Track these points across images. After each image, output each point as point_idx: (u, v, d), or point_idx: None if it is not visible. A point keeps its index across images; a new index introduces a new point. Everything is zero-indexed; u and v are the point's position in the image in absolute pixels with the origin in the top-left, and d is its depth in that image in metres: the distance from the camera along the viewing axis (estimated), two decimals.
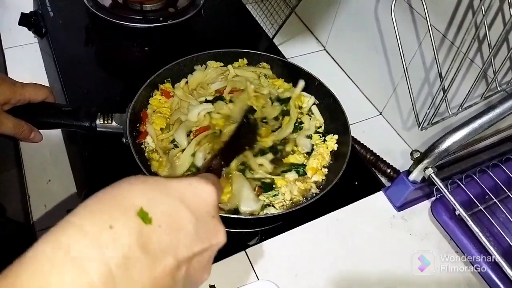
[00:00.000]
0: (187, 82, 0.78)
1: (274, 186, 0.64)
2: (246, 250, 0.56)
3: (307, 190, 0.65)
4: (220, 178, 0.51)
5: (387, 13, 0.63)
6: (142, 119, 0.70)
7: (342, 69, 1.13)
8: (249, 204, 0.61)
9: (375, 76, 1.02)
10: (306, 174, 0.66)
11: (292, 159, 0.69)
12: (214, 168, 0.50)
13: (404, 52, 0.60)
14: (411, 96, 0.59)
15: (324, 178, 0.68)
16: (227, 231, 0.52)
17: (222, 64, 0.81)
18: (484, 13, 0.49)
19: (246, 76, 0.80)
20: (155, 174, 0.63)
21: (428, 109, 0.59)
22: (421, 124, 0.58)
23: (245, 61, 0.82)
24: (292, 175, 0.66)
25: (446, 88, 0.54)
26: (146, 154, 0.66)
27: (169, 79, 0.76)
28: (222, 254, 0.55)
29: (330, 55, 1.17)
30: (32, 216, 0.76)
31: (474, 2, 0.62)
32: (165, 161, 0.65)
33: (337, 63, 1.14)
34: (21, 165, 0.82)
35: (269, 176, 0.65)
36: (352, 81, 1.10)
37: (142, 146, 0.67)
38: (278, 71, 0.82)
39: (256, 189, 0.64)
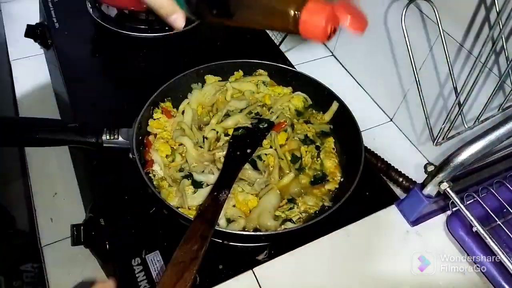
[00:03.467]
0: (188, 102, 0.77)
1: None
2: (254, 269, 0.54)
3: (322, 201, 0.65)
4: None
5: (397, 18, 0.61)
6: (146, 145, 0.69)
7: (351, 75, 1.11)
8: (268, 220, 0.60)
9: (385, 82, 1.00)
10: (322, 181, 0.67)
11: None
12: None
13: (415, 63, 0.58)
14: (425, 110, 0.57)
15: (337, 186, 0.67)
16: (233, 245, 0.52)
17: (220, 79, 0.80)
18: (501, 28, 0.47)
19: (244, 88, 0.78)
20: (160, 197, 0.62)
21: (443, 124, 0.57)
22: (436, 139, 0.56)
23: (241, 73, 0.81)
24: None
25: (462, 102, 0.52)
26: (155, 182, 0.65)
27: (169, 98, 0.75)
28: (226, 273, 0.54)
29: (338, 60, 1.15)
30: (38, 229, 0.76)
31: (491, 15, 0.59)
32: (175, 191, 0.64)
33: (345, 68, 1.13)
34: (28, 178, 0.82)
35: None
36: (361, 87, 1.08)
37: (150, 175, 0.66)
38: (283, 79, 0.81)
39: (283, 203, 0.64)
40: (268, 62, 0.80)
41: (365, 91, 1.07)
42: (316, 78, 0.78)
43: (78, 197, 0.76)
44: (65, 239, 0.74)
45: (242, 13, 0.42)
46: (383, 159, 0.92)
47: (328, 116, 0.77)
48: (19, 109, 0.93)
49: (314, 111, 0.78)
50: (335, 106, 0.75)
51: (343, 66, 1.13)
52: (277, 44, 1.03)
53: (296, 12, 0.37)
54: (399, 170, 0.91)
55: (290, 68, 0.80)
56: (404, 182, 0.89)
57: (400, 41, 0.89)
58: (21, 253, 0.84)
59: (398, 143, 0.98)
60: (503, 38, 0.53)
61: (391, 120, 1.02)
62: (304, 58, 1.14)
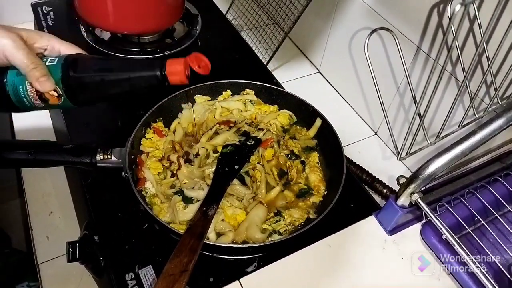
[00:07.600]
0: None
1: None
2: (240, 279, 0.57)
3: (307, 213, 0.67)
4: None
5: (373, 38, 0.65)
6: (138, 164, 0.71)
7: (337, 91, 1.15)
8: (256, 233, 0.63)
9: (368, 97, 1.04)
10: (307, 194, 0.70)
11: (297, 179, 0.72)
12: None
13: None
14: (389, 127, 0.60)
15: (321, 199, 0.70)
16: (223, 258, 0.54)
17: (209, 98, 0.84)
18: (454, 34, 0.49)
19: (232, 107, 0.82)
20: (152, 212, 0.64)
21: (404, 139, 0.60)
22: (399, 154, 0.59)
23: (229, 92, 0.84)
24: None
25: (422, 113, 0.55)
26: (147, 199, 0.68)
27: (161, 118, 0.78)
28: (217, 285, 0.57)
29: (324, 77, 1.19)
30: (35, 247, 0.78)
31: (443, 22, 0.62)
32: (167, 207, 0.66)
33: (331, 85, 1.17)
34: (24, 197, 0.84)
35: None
36: (347, 102, 1.12)
37: (143, 192, 0.68)
38: (269, 97, 0.84)
39: (270, 216, 0.67)
40: (254, 82, 0.84)
41: (351, 106, 1.11)
42: (302, 94, 0.82)
43: (73, 215, 0.79)
44: (61, 256, 0.77)
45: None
46: (368, 171, 0.96)
47: (312, 132, 0.80)
48: (16, 133, 0.95)
49: (299, 127, 0.82)
50: (318, 122, 0.79)
51: (329, 82, 1.18)
52: (265, 63, 1.07)
53: (162, 71, 0.53)
54: (383, 182, 0.94)
55: (276, 87, 0.84)
56: (388, 194, 0.92)
57: (377, 60, 0.94)
58: (17, 272, 0.86)
59: (383, 155, 1.02)
60: (457, 47, 0.55)
61: (375, 133, 1.06)
62: (292, 76, 1.18)
